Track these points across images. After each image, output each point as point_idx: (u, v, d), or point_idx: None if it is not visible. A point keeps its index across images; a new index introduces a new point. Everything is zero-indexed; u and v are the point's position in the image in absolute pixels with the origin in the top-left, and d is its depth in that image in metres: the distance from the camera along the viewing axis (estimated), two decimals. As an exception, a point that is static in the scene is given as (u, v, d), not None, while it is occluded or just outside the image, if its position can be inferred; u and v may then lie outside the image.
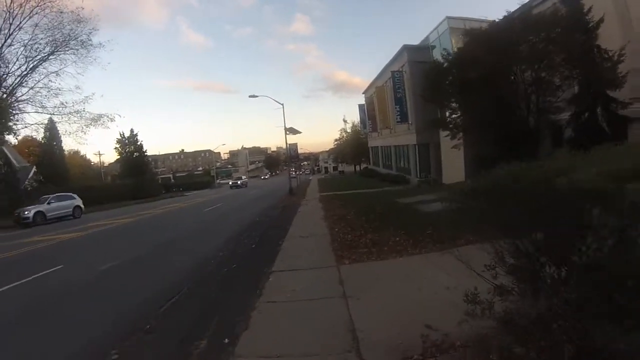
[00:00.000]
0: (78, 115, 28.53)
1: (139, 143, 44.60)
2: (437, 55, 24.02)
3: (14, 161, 33.14)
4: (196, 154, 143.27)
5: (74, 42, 27.30)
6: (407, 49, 28.02)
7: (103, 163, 57.74)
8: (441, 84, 11.55)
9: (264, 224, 12.81)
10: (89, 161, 61.22)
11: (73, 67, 29.07)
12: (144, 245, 10.89)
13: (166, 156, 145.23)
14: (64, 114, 28.44)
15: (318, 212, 14.14)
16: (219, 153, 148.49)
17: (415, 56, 26.96)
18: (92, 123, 29.41)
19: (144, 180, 41.51)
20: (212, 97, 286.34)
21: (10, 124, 22.89)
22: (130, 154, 43.94)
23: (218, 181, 75.47)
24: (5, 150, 31.49)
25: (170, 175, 63.35)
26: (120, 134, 44.20)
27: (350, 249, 7.29)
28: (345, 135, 68.06)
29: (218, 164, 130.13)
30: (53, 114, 28.43)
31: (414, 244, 7.16)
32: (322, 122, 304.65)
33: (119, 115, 31.27)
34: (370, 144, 47.87)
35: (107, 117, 30.13)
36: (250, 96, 28.54)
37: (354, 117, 75.51)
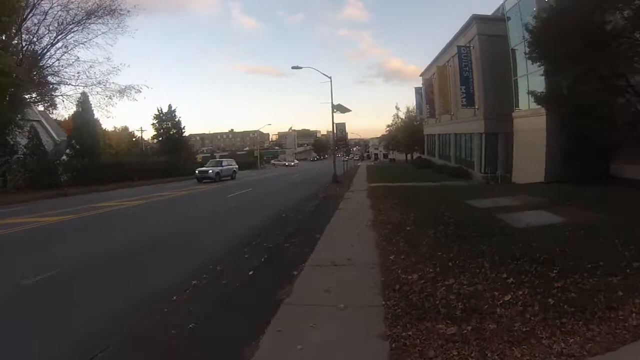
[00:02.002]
0: (102, 86, 26.84)
1: (177, 119, 42.41)
2: (513, 28, 19.51)
3: (54, 134, 32.21)
4: (245, 134, 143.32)
5: (102, 10, 25.43)
6: (476, 19, 23.44)
7: (147, 140, 56.68)
8: (561, 34, 7.47)
9: (287, 226, 9.48)
10: (136, 137, 60.93)
11: (102, 38, 27.32)
12: (97, 253, 7.49)
13: (214, 135, 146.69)
14: (87, 86, 26.88)
15: (365, 212, 10.52)
16: (268, 134, 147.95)
17: (486, 29, 22.62)
18: (117, 95, 27.61)
19: (180, 158, 39.52)
20: (264, 81, 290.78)
21: (27, 96, 21.36)
22: (168, 130, 42.20)
23: (272, 162, 70.77)
24: (44, 123, 30.43)
25: (212, 154, 60.54)
26: (158, 110, 42.32)
27: (421, 318, 3.58)
28: (398, 121, 62.73)
29: (265, 144, 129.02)
30: (72, 85, 26.91)
31: (546, 316, 3.42)
32: (373, 108, 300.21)
33: (147, 87, 29.42)
34: (426, 131, 42.77)
35: (135, 88, 28.14)
36: (293, 67, 24.99)
37: (408, 104, 70.42)
